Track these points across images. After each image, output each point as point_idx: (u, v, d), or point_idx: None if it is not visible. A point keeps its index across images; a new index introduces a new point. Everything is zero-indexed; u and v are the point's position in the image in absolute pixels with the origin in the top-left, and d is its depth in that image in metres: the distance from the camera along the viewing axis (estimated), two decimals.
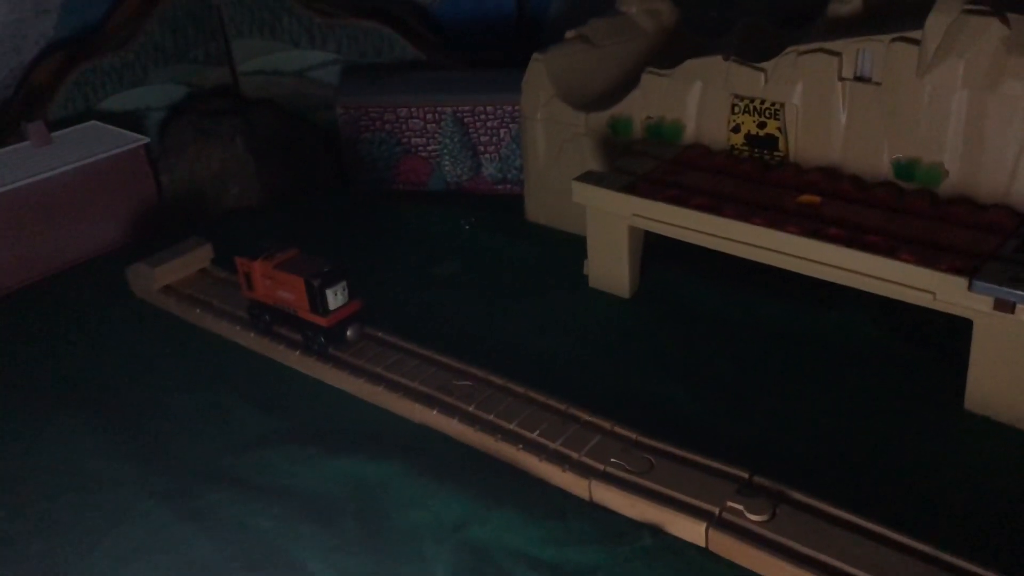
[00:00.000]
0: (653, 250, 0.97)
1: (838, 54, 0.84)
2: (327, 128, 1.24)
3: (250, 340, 0.91)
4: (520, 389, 0.79)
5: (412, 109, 1.18)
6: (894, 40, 0.80)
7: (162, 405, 0.84)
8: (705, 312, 0.92)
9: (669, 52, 1.06)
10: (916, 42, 0.79)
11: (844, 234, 0.78)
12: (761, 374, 0.83)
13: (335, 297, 0.84)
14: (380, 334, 0.88)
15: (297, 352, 0.87)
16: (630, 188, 0.90)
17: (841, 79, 0.85)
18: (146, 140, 1.14)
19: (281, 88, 1.29)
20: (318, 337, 0.85)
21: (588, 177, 0.93)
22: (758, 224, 0.81)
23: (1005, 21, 0.73)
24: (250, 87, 1.29)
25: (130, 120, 1.23)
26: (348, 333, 0.85)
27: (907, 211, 0.81)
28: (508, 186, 1.19)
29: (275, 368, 0.88)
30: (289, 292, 0.85)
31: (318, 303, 0.83)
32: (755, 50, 0.94)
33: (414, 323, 0.92)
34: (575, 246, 1.00)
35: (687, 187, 0.89)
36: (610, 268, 0.95)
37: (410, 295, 0.99)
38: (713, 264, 0.91)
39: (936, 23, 0.76)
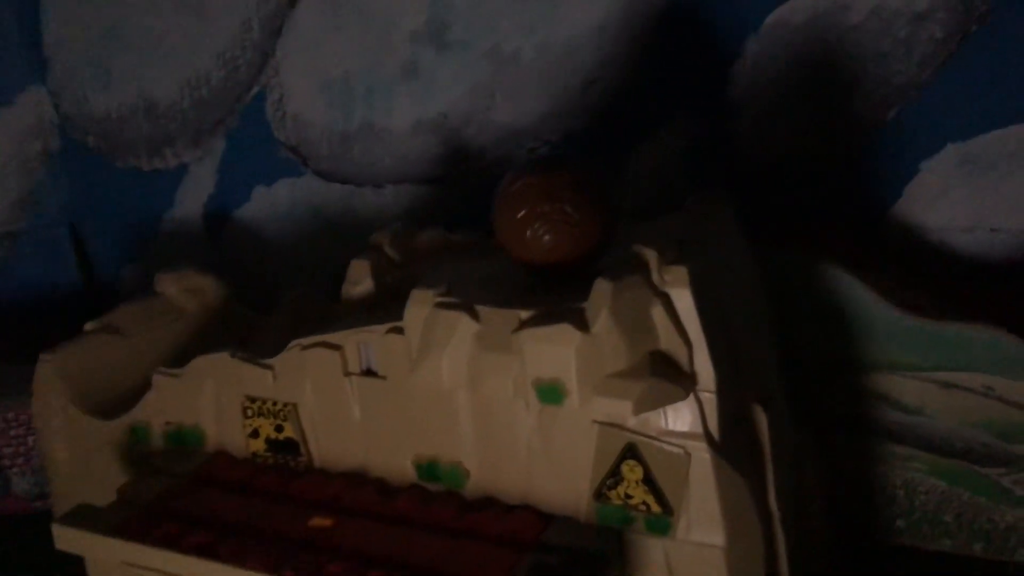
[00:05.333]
0: None
1: (340, 347, 0.74)
2: None
3: None
4: None
5: None
6: (388, 331, 0.71)
7: None
8: None
9: (215, 335, 0.93)
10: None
11: (346, 570, 0.65)
12: None
13: None
14: None
15: None
16: (121, 527, 0.73)
17: (347, 374, 0.74)
18: None
19: None
20: None
21: (75, 516, 0.76)
22: (253, 568, 0.66)
23: (475, 315, 0.66)
24: None
25: None
26: None
27: (430, 523, 0.69)
28: (48, 502, 0.98)
29: None
30: None
31: None
32: (307, 325, 0.83)
33: None
34: None
35: (192, 517, 0.73)
36: None
37: None
38: None
39: (412, 317, 0.68)
